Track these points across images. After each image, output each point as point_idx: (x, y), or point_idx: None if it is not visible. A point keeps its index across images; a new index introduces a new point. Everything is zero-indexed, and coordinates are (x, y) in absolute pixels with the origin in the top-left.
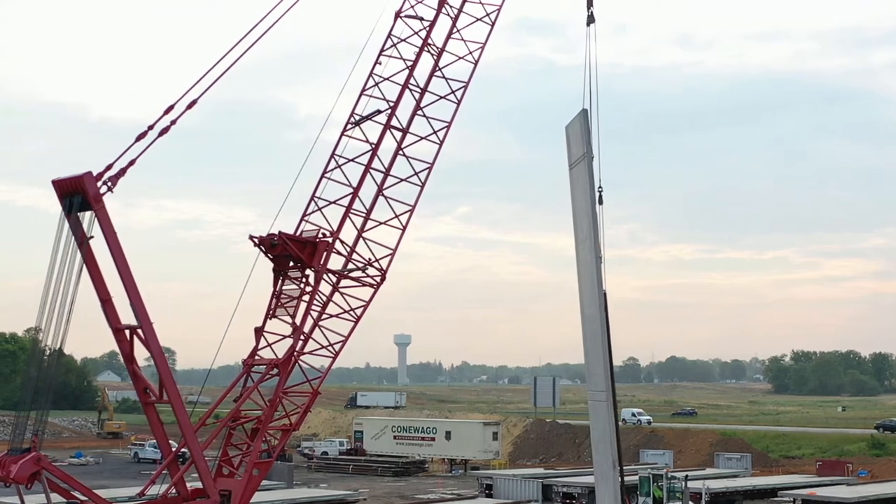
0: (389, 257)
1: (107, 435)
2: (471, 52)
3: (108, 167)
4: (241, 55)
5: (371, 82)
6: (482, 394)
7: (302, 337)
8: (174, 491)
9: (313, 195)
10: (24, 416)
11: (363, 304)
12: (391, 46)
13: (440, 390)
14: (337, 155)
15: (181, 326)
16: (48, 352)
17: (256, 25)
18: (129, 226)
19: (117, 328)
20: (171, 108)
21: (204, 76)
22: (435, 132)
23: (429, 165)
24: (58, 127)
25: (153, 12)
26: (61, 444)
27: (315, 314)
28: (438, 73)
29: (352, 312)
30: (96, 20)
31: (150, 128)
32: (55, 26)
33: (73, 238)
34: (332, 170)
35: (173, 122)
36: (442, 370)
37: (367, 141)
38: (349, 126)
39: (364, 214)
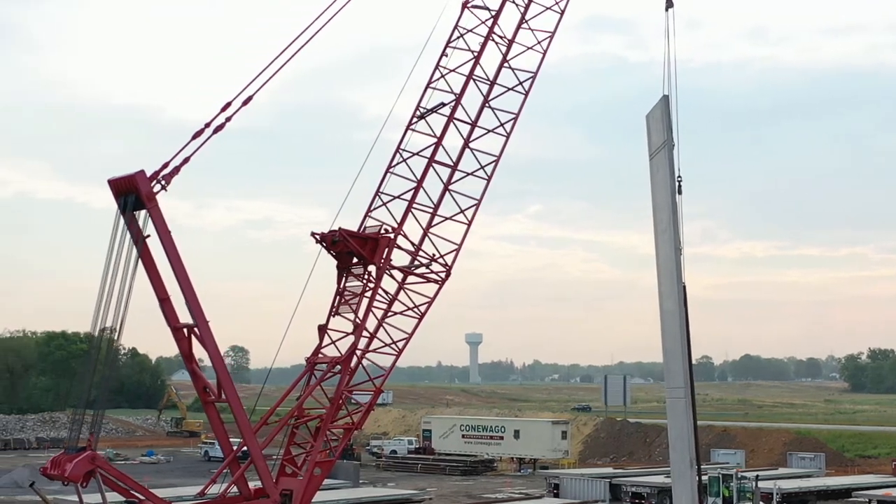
0: (455, 253)
1: (187, 434)
2: (539, 42)
3: (164, 166)
4: (294, 54)
5: (437, 75)
6: (553, 392)
7: (365, 334)
8: (235, 490)
9: (378, 190)
10: (80, 415)
11: (428, 300)
12: (458, 38)
13: (511, 389)
14: (402, 149)
15: (255, 326)
16: (104, 350)
17: (309, 26)
18: (203, 226)
19: (175, 327)
20: (227, 105)
21: (259, 74)
22: (502, 124)
23: (495, 158)
24: (132, 129)
25: (224, 11)
26: (134, 443)
27: (379, 311)
28: (506, 65)
29: (416, 309)
30: (167, 22)
31: (207, 125)
32: (127, 29)
33: (129, 237)
34: (397, 164)
35: (228, 120)
36: (514, 369)
37: (433, 134)
38: (414, 119)
39: (429, 210)
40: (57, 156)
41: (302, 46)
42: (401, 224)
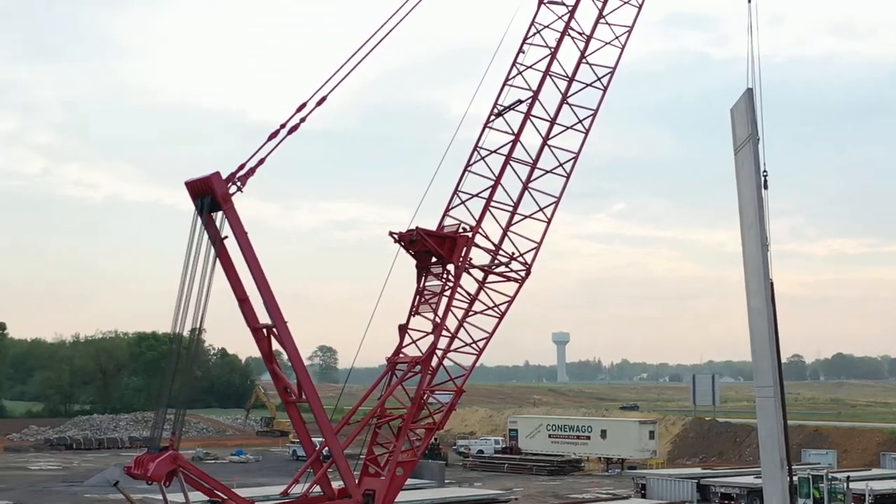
0: (534, 251)
1: (278, 433)
2: (617, 38)
3: (240, 167)
4: (367, 55)
5: (514, 72)
6: (642, 392)
7: (446, 334)
8: (318, 489)
9: (456, 189)
10: (161, 415)
11: (508, 299)
12: (534, 34)
13: (599, 388)
14: (480, 147)
15: (343, 326)
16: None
17: (382, 26)
18: (289, 228)
19: (255, 327)
20: (302, 106)
21: (333, 75)
22: (580, 121)
23: (574, 156)
24: (217, 132)
25: (306, 10)
26: (225, 442)
27: (459, 311)
28: (584, 60)
29: (496, 308)
30: (248, 25)
31: (282, 126)
32: (209, 33)
33: (207, 238)
34: (475, 162)
35: (303, 120)
36: (601, 368)
37: (511, 132)
38: (492, 118)
39: (508, 208)
40: (145, 159)
41: (375, 47)
42: (479, 222)
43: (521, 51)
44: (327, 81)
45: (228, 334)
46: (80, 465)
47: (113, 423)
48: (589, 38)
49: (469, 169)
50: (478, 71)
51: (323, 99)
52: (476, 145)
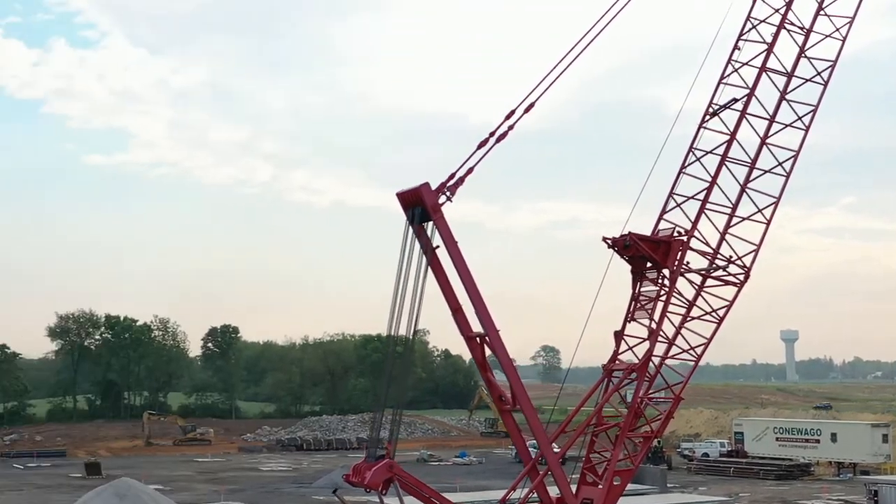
0: (753, 254)
1: (503, 434)
2: (837, 29)
3: (450, 177)
4: (576, 59)
5: (729, 69)
6: (876, 391)
7: (662, 340)
8: (535, 496)
9: (671, 192)
10: (378, 421)
11: (726, 304)
12: (750, 29)
13: (831, 388)
14: (695, 148)
15: (565, 326)
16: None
17: (591, 28)
18: (507, 228)
19: (468, 336)
20: (511, 113)
21: (541, 81)
22: (800, 118)
23: (794, 154)
24: (439, 136)
25: (528, 8)
26: (449, 443)
27: (674, 316)
28: (803, 55)
29: (714, 314)
30: (465, 29)
31: (491, 135)
32: (428, 38)
33: (419, 247)
34: (690, 164)
35: (511, 128)
36: (833, 366)
37: (727, 131)
38: (706, 118)
39: (725, 210)
40: (369, 164)
41: (582, 51)
42: (694, 225)
43: (735, 47)
44: (535, 87)
45: (452, 335)
46: (309, 466)
47: (341, 424)
48: (808, 32)
49: (684, 171)
50: (693, 68)
51: (531, 105)
52: (691, 146)
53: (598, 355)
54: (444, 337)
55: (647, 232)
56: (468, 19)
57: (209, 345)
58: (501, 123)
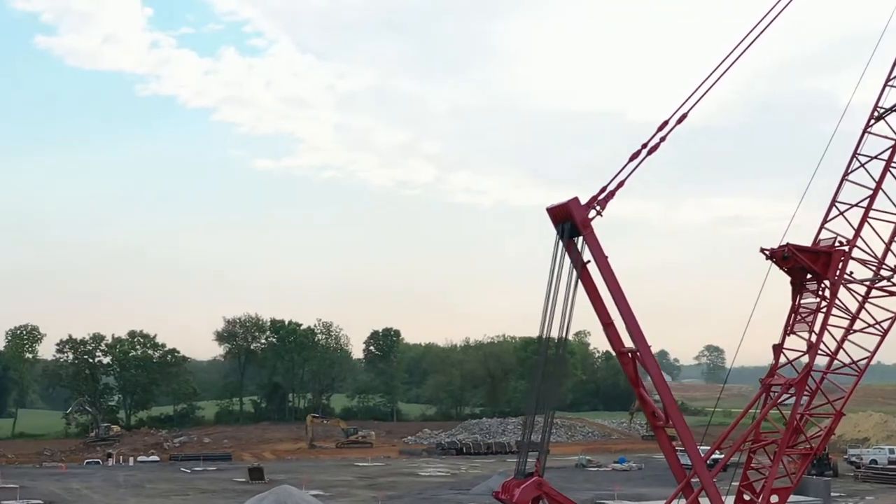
0: None
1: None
2: None
3: (602, 190)
4: (739, 57)
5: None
6: None
7: (823, 353)
8: None
9: (833, 199)
10: (528, 436)
11: (891, 316)
12: None
13: None
14: (858, 154)
15: (730, 326)
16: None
17: (755, 27)
18: (672, 225)
19: (619, 351)
20: (664, 124)
21: (695, 90)
22: None
23: None
24: (599, 134)
25: (682, 7)
26: (610, 447)
27: (835, 329)
28: None
29: (878, 326)
30: (621, 25)
31: (644, 146)
32: (583, 38)
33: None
34: (854, 171)
35: (663, 140)
36: None
37: (893, 136)
38: (871, 122)
39: (891, 218)
40: (530, 163)
41: (739, 57)
42: (857, 234)
43: None
44: (689, 97)
45: None
46: (468, 471)
47: (501, 427)
48: None
49: (847, 178)
50: (862, 63)
51: (684, 116)
52: (854, 152)
53: (762, 355)
54: (604, 338)
55: (810, 239)
56: (623, 17)
57: (371, 347)
58: (653, 136)
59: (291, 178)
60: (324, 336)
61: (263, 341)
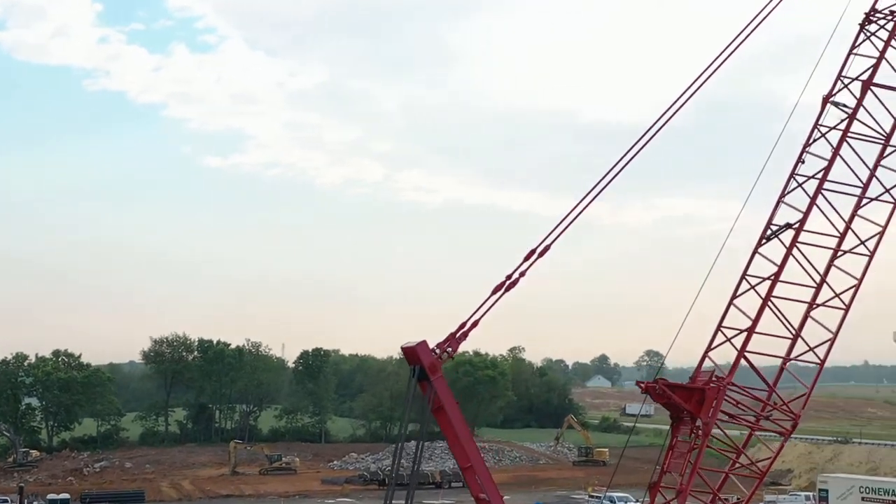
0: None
1: (601, 464)
2: None
3: (451, 335)
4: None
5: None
6: None
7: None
8: None
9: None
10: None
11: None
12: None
13: None
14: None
15: (672, 330)
16: None
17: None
18: (622, 225)
19: (478, 498)
20: (530, 253)
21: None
22: None
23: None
24: (549, 133)
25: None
26: (537, 474)
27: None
28: None
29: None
30: (573, 27)
31: (508, 277)
32: (540, 40)
33: None
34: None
35: (522, 274)
36: None
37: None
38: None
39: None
40: (482, 162)
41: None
42: (731, 372)
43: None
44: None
45: (549, 349)
46: None
47: (428, 451)
48: None
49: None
50: (807, 63)
51: (546, 248)
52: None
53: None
54: (541, 350)
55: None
56: (577, 20)
57: (300, 368)
58: (512, 273)
59: (240, 176)
60: (252, 357)
61: (191, 360)
